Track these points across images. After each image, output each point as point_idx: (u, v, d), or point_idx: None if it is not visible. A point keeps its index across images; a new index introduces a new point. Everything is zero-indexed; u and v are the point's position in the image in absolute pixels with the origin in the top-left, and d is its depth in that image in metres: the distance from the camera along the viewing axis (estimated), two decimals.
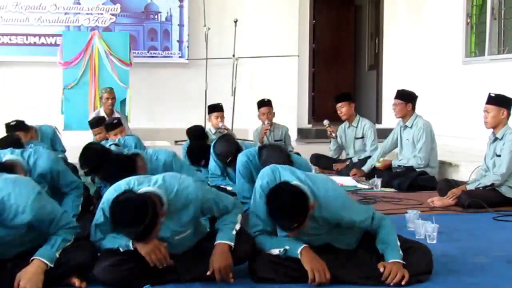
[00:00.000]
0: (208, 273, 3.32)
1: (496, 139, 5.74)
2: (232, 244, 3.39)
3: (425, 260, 3.49)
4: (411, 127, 6.99)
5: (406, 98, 7.04)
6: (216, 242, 3.39)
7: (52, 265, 3.23)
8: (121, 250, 3.34)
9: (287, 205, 3.18)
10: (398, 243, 3.47)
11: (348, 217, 3.45)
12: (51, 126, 7.36)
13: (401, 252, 3.43)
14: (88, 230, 4.07)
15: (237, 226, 3.47)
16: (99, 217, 3.42)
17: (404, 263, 3.39)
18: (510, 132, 5.66)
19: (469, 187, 5.72)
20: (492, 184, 5.65)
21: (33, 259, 3.24)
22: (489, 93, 5.75)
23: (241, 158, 4.94)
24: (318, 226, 3.44)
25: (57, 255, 3.27)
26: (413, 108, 7.04)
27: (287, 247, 3.41)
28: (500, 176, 5.63)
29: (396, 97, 7.10)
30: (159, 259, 3.27)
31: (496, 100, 5.67)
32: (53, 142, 7.16)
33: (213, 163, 5.61)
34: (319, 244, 3.52)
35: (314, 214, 3.34)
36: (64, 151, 7.21)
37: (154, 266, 3.29)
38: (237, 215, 3.52)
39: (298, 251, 3.39)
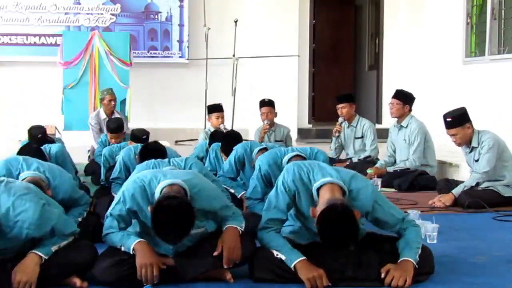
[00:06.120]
0: (215, 253, 3.31)
1: (472, 148, 5.73)
2: (242, 229, 3.41)
3: (427, 261, 3.47)
4: (406, 127, 6.98)
5: (405, 99, 7.00)
6: (226, 226, 3.39)
7: (46, 257, 3.22)
8: (122, 249, 3.35)
9: (342, 234, 3.08)
10: (420, 249, 3.40)
11: (380, 210, 3.41)
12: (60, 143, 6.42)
13: (418, 256, 3.37)
14: (89, 231, 4.07)
15: (243, 225, 3.49)
16: (117, 207, 3.40)
17: (417, 266, 3.33)
18: (486, 138, 5.65)
19: (455, 191, 5.69)
20: (478, 184, 5.65)
21: (29, 253, 3.24)
22: (444, 118, 5.68)
23: (238, 150, 5.03)
24: None
25: (53, 250, 3.27)
26: (410, 110, 7.03)
27: (283, 257, 3.37)
28: (482, 174, 5.63)
29: (394, 97, 7.04)
30: (147, 277, 3.25)
31: (453, 123, 5.62)
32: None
33: (227, 166, 5.58)
34: None
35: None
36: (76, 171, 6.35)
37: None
38: (242, 220, 3.51)
39: (293, 265, 3.34)
